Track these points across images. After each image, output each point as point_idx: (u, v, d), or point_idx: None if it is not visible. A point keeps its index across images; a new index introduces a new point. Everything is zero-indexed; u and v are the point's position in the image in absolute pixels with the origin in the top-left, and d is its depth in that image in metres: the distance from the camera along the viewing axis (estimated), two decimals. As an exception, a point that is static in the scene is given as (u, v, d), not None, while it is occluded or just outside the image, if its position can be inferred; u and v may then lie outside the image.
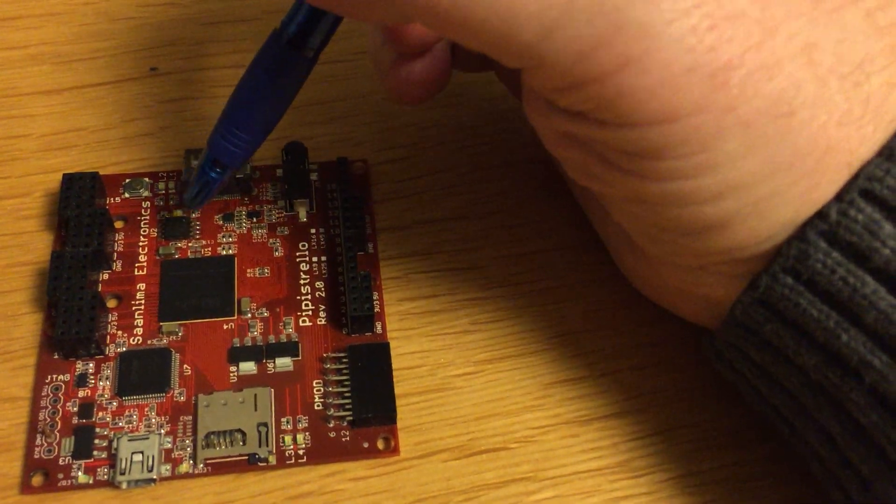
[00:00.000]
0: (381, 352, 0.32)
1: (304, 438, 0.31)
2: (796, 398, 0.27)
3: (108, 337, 0.33)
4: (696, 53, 0.22)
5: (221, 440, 0.30)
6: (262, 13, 0.42)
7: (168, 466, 0.30)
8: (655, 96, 0.23)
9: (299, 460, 0.31)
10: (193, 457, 0.30)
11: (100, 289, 0.33)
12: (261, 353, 0.32)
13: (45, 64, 0.40)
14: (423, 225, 0.36)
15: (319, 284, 0.34)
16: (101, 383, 0.32)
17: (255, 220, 0.36)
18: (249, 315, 0.33)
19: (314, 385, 0.32)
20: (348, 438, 0.31)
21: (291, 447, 0.31)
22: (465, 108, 0.40)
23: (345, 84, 0.40)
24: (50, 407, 0.31)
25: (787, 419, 0.28)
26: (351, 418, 0.31)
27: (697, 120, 0.23)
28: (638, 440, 0.32)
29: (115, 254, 0.34)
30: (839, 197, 0.24)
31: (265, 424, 0.31)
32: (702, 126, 0.23)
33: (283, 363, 0.32)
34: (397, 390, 0.32)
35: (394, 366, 0.33)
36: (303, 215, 0.36)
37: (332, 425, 0.31)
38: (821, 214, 0.24)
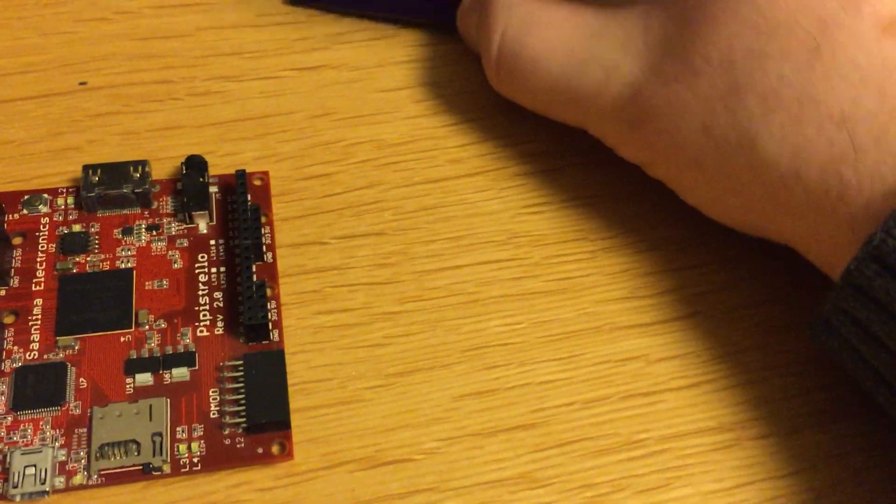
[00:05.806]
0: (275, 359, 0.32)
1: (199, 446, 0.31)
2: None
3: (4, 353, 0.33)
4: None
5: (116, 451, 0.30)
6: (195, 30, 0.43)
7: (62, 479, 0.30)
8: None
9: (194, 468, 0.31)
10: (87, 468, 0.30)
11: (-4, 305, 0.34)
12: (157, 364, 0.33)
13: (-25, 78, 0.40)
14: (343, 240, 0.37)
15: (218, 295, 0.34)
16: (-5, 399, 0.32)
17: (154, 233, 0.36)
18: (147, 327, 0.33)
19: (210, 394, 0.32)
20: (243, 445, 0.31)
21: (186, 455, 0.31)
22: (389, 125, 0.40)
23: (272, 101, 0.40)
24: (-57, 424, 0.31)
25: (888, 381, 0.29)
26: (245, 425, 0.31)
27: None
28: (540, 452, 0.32)
29: (13, 270, 0.34)
30: None
31: (160, 434, 0.31)
32: None
33: (180, 373, 0.32)
34: (307, 402, 0.32)
35: (305, 378, 0.33)
36: (203, 227, 0.36)
37: (227, 432, 0.31)
38: None
